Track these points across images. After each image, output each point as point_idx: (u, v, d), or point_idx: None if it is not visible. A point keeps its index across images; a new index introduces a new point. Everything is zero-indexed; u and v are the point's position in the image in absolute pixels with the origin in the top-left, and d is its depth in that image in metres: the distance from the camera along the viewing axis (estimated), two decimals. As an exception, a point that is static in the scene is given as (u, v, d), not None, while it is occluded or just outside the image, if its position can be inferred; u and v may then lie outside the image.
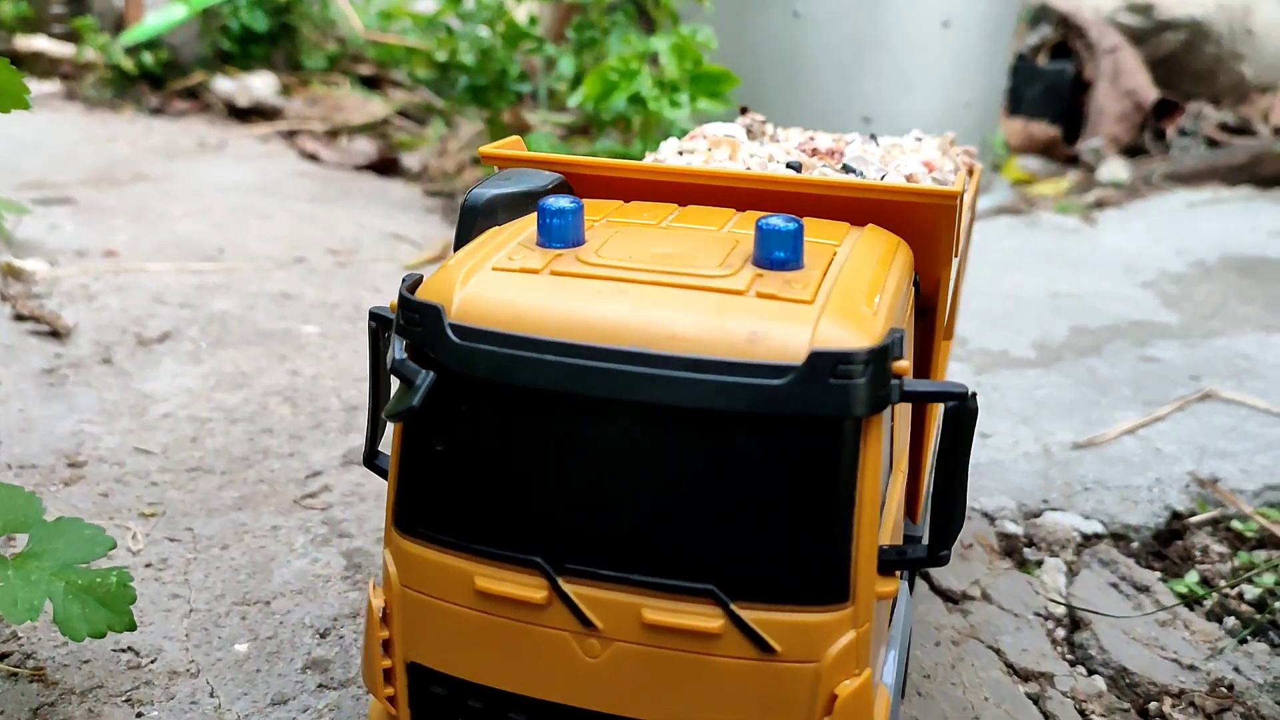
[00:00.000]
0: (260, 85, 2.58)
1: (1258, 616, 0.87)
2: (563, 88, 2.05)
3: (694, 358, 0.46)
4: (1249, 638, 0.84)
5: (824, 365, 0.45)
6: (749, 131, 0.98)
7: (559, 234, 0.53)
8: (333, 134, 2.43)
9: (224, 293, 1.43)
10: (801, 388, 0.45)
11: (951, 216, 0.61)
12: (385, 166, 2.23)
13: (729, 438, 0.46)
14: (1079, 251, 1.69)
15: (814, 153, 0.86)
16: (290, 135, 2.42)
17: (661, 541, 0.47)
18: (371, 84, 2.73)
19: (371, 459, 0.57)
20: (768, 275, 0.50)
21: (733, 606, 0.47)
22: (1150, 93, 2.45)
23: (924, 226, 0.61)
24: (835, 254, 0.54)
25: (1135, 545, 0.97)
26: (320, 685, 0.73)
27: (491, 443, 0.49)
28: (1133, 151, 2.45)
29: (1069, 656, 0.83)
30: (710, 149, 0.89)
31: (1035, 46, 2.60)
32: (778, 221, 0.51)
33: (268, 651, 0.76)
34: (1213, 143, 2.55)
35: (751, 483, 0.47)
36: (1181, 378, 1.27)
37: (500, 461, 0.49)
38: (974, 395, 0.49)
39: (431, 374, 0.49)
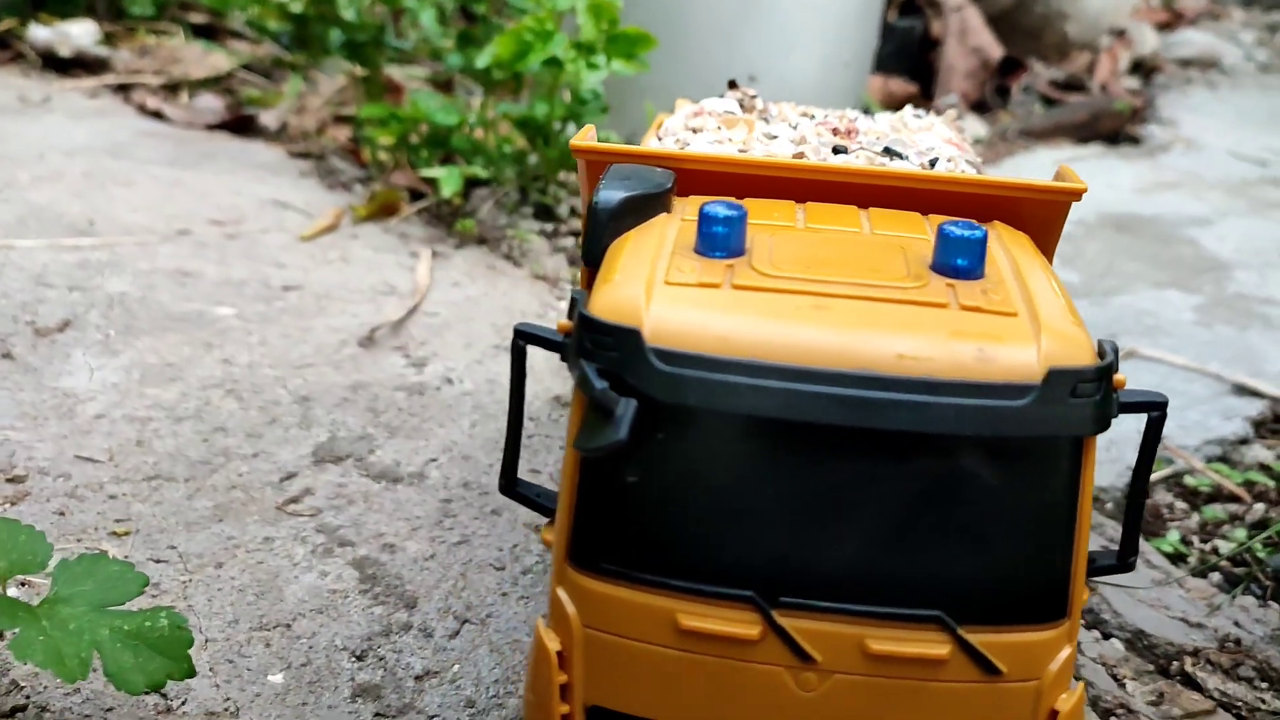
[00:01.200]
0: (81, 34, 2.36)
1: (1238, 571, 0.93)
2: (421, 42, 1.97)
3: (928, 380, 0.44)
4: (1238, 594, 0.89)
5: (1063, 384, 0.44)
6: (741, 106, 0.95)
7: (723, 243, 0.50)
8: (171, 89, 2.25)
9: (113, 272, 1.31)
10: (1041, 408, 0.44)
11: (1067, 211, 0.61)
12: (239, 125, 2.08)
13: (960, 461, 0.45)
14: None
15: (835, 132, 0.85)
16: (123, 90, 2.23)
17: (885, 569, 0.46)
18: (207, 34, 2.54)
19: (511, 487, 0.53)
20: (959, 285, 0.49)
21: (960, 631, 0.46)
22: (996, 51, 2.55)
23: (1042, 222, 0.60)
24: (993, 258, 0.53)
25: (1110, 506, 1.02)
26: (377, 714, 0.69)
27: (698, 473, 0.46)
28: (978, 108, 2.54)
29: (1083, 622, 0.86)
30: (720, 126, 0.87)
31: (885, 3, 2.65)
32: (961, 228, 0.50)
33: (306, 681, 0.71)
34: (1047, 100, 2.68)
35: (981, 505, 0.45)
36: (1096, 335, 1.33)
37: (708, 493, 0.46)
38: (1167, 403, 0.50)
39: (634, 402, 0.45)
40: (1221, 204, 1.88)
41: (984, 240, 0.49)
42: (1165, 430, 1.12)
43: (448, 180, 1.53)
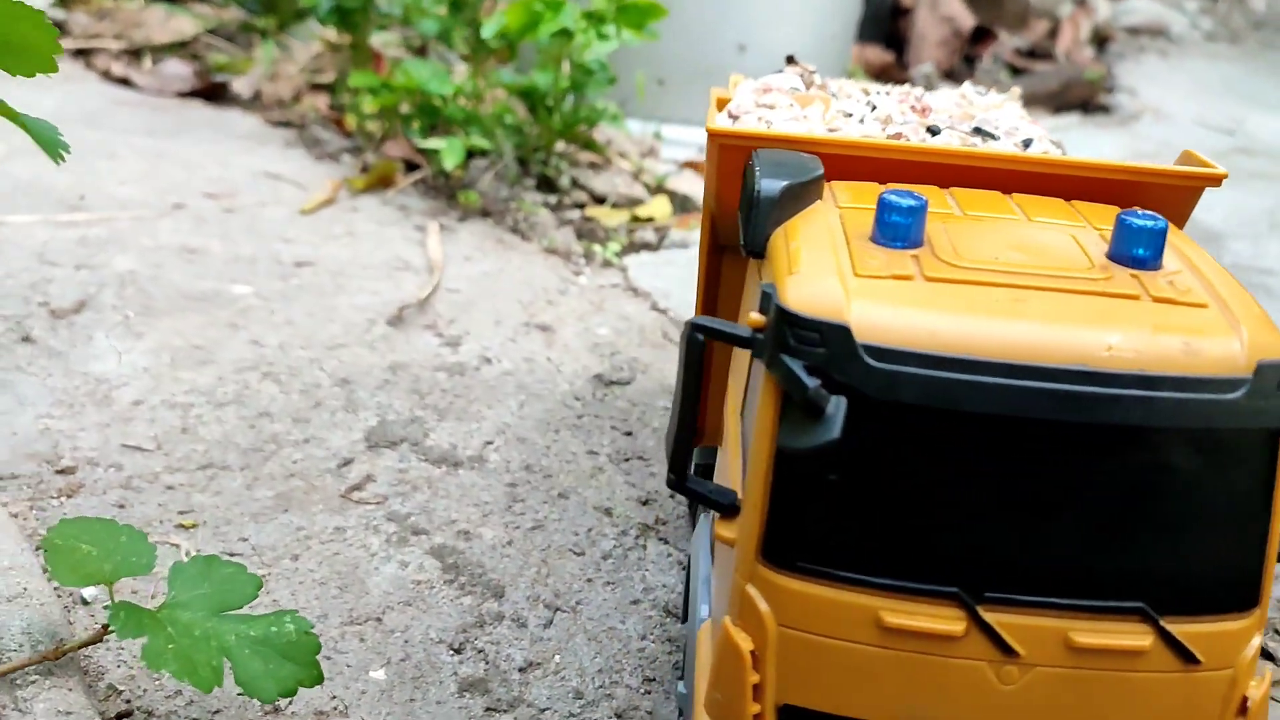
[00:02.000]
0: (34, -4, 2.27)
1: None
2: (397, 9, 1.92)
3: (1142, 374, 0.44)
4: None
5: (1272, 377, 0.44)
6: (804, 83, 0.94)
7: (903, 233, 0.49)
8: (133, 54, 2.17)
9: (116, 249, 1.26)
10: (1252, 400, 0.44)
11: (1199, 197, 0.61)
12: (212, 93, 2.01)
13: (1165, 454, 0.45)
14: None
15: (912, 110, 0.84)
16: (83, 55, 2.15)
17: (1091, 563, 0.46)
18: (167, -4, 2.45)
19: (682, 482, 0.52)
20: (1143, 276, 0.49)
21: (1162, 622, 0.46)
22: (967, 19, 2.56)
23: (1173, 208, 0.60)
24: (1157, 245, 0.53)
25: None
26: (488, 709, 0.67)
27: (905, 470, 0.45)
28: (949, 76, 2.56)
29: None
30: (793, 104, 0.86)
31: (856, -29, 2.65)
32: (1142, 218, 0.49)
33: (410, 677, 0.69)
34: (1013, 68, 2.70)
35: (1183, 497, 0.45)
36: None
37: (916, 490, 0.45)
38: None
39: (844, 400, 0.44)
40: (1202, 174, 1.91)
41: (1164, 231, 0.49)
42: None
43: (449, 152, 1.50)
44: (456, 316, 1.18)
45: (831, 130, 0.77)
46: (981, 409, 0.44)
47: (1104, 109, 2.38)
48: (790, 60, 0.96)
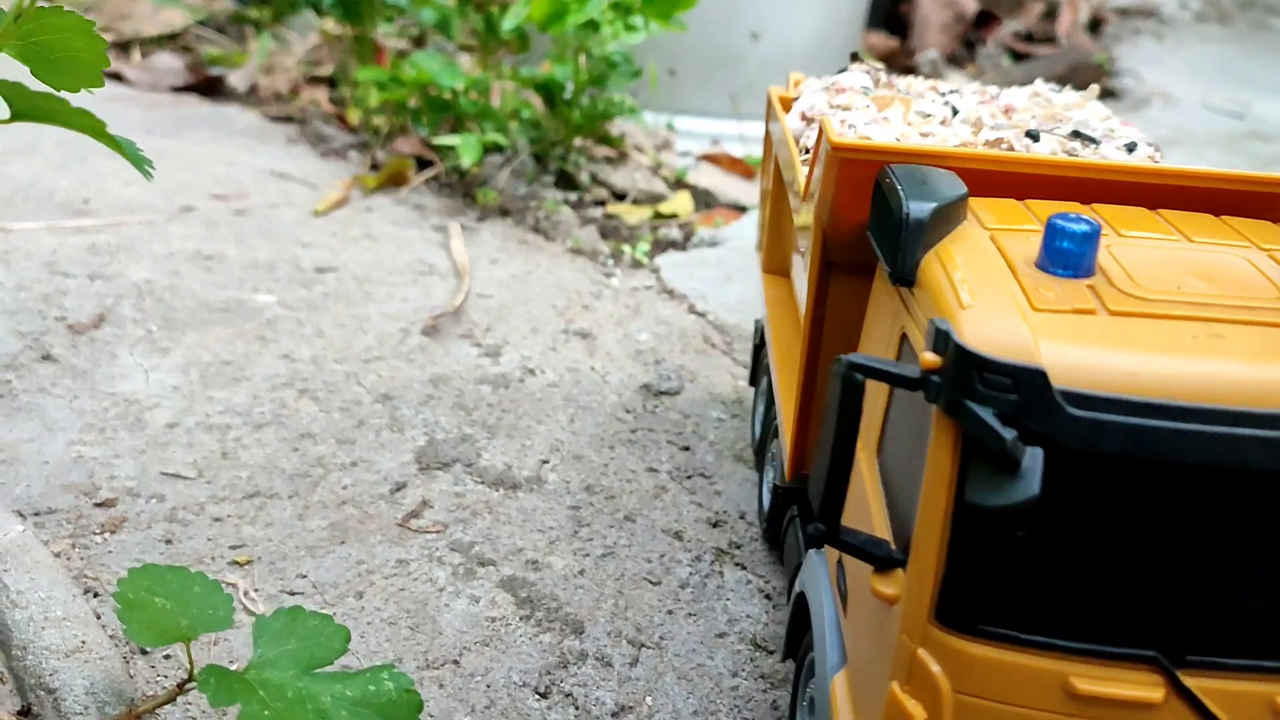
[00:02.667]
0: (15, -14, 2.19)
1: None
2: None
3: (1363, 418, 0.40)
4: None
5: None
6: (874, 82, 0.90)
7: (1075, 261, 0.45)
8: (122, 47, 2.10)
9: (129, 256, 1.21)
10: None
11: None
12: (206, 87, 1.95)
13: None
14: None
15: (1003, 111, 0.80)
16: (69, 48, 2.08)
17: (1301, 621, 0.42)
18: (153, -14, 2.38)
19: (835, 534, 0.48)
20: (1337, 305, 0.45)
21: (1377, 684, 0.42)
22: (970, 3, 2.52)
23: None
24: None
25: None
26: (584, 759, 0.63)
27: (1104, 526, 0.41)
28: (950, 62, 2.52)
29: None
30: (869, 105, 0.82)
31: (856, -45, 2.60)
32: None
33: (497, 725, 0.65)
34: (1013, 53, 2.67)
35: (1400, 548, 0.42)
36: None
37: (1114, 546, 0.42)
38: None
39: (1040, 452, 0.40)
40: (1220, 161, 1.89)
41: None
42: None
43: (466, 149, 1.45)
44: (492, 324, 1.13)
45: (925, 135, 0.73)
46: (1190, 458, 0.40)
47: (1112, 94, 2.36)
48: (855, 57, 0.92)
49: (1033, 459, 0.40)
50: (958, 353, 0.42)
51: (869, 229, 0.54)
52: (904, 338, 0.50)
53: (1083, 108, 0.84)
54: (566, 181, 1.55)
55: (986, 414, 0.41)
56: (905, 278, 0.49)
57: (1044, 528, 0.41)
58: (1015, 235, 0.49)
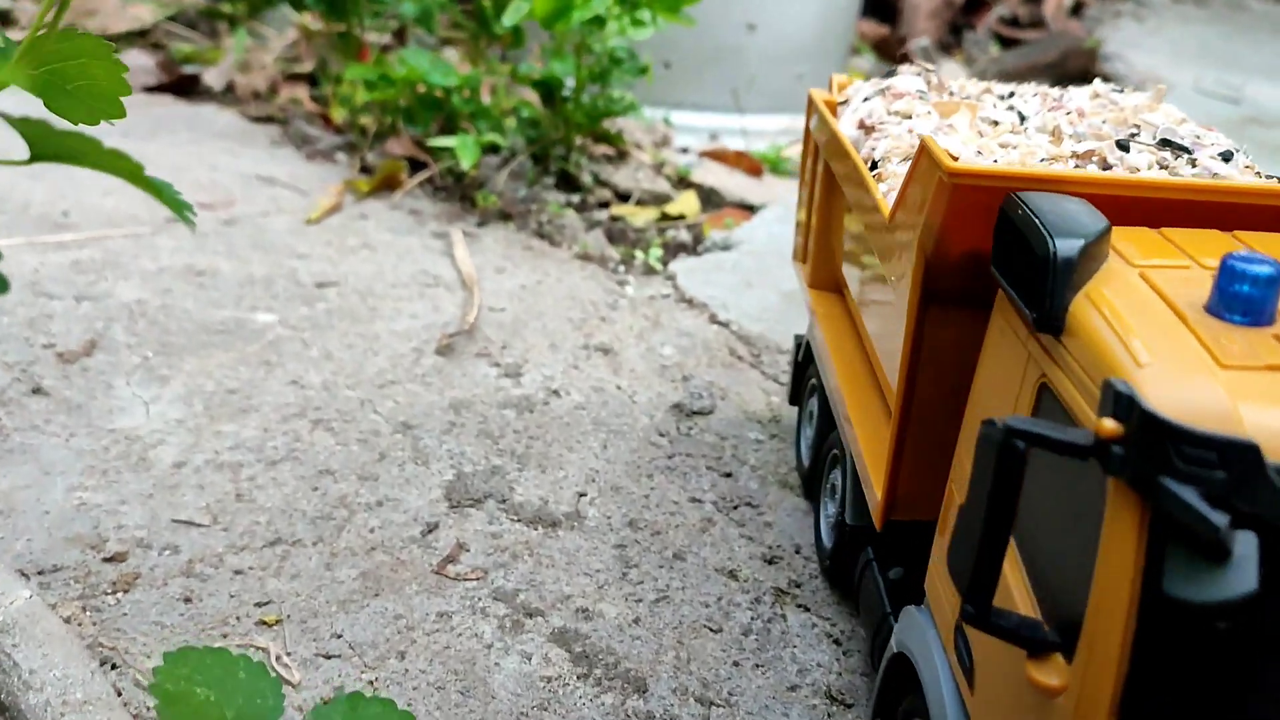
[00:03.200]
0: (-27, -18, 2.09)
1: None
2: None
3: None
4: None
5: None
6: (927, 83, 0.85)
7: (1256, 308, 0.40)
8: (88, 43, 2.01)
9: (117, 274, 1.14)
10: None
11: None
12: (181, 86, 1.87)
13: None
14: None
15: (1075, 115, 0.75)
16: (33, 46, 1.99)
17: None
18: (118, -20, 2.28)
19: (985, 616, 0.42)
20: None
21: None
22: (959, -11, 2.48)
23: None
24: None
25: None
26: (666, 840, 0.58)
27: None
28: (942, 47, 2.48)
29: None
30: (931, 112, 0.76)
31: (842, -61, 2.55)
32: None
33: (566, 802, 0.60)
34: (1000, 38, 2.63)
35: None
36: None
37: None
38: None
39: (1255, 538, 0.35)
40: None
41: None
42: None
43: (464, 151, 1.38)
44: (508, 341, 1.07)
45: (1005, 147, 0.67)
46: None
47: (1105, 79, 2.32)
48: (904, 58, 0.87)
49: (1246, 546, 0.35)
50: (1147, 421, 0.36)
51: (993, 264, 0.49)
52: (1043, 390, 0.45)
53: (1154, 110, 0.79)
54: (568, 182, 1.49)
55: (1190, 494, 0.35)
56: (1051, 325, 0.43)
57: (1256, 623, 0.36)
58: (1168, 274, 0.44)
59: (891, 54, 2.36)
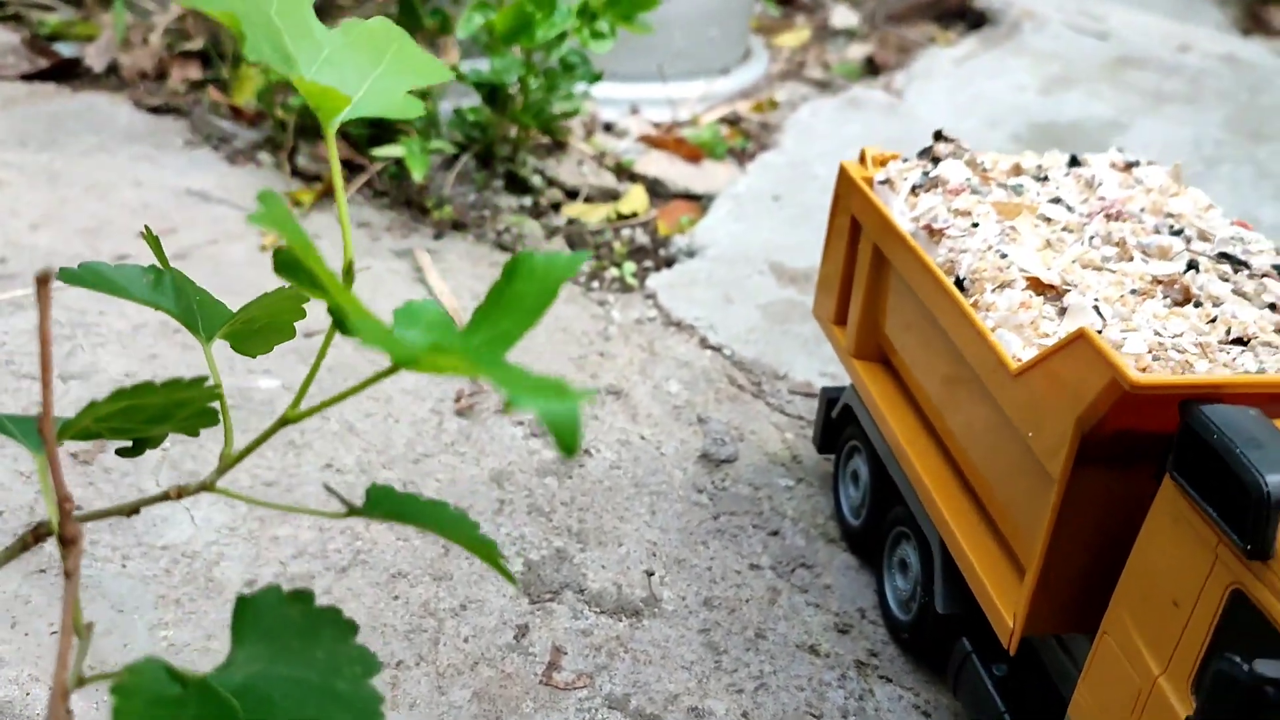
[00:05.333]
0: None
1: None
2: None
3: None
4: None
5: None
6: (969, 165, 0.88)
7: None
8: (-62, 18, 1.83)
9: (90, 338, 1.08)
10: None
11: None
12: (62, 71, 1.74)
13: None
14: (915, 133, 1.72)
15: (1119, 217, 0.80)
16: (-124, 24, 1.80)
17: None
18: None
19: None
20: None
21: None
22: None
23: None
24: None
25: None
26: None
27: None
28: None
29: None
30: (991, 212, 0.80)
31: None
32: None
33: None
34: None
35: None
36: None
37: None
38: None
39: None
40: (1117, 100, 1.95)
41: None
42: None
43: (414, 163, 1.35)
44: (519, 391, 1.07)
45: (1093, 268, 0.72)
46: None
47: (983, 18, 2.39)
48: (939, 136, 0.90)
49: None
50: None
51: (1174, 468, 0.53)
52: (1238, 596, 0.50)
53: (1181, 194, 0.84)
54: (516, 184, 1.47)
55: None
56: (1264, 554, 0.49)
57: None
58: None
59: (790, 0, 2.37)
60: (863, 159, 0.91)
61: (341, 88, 0.43)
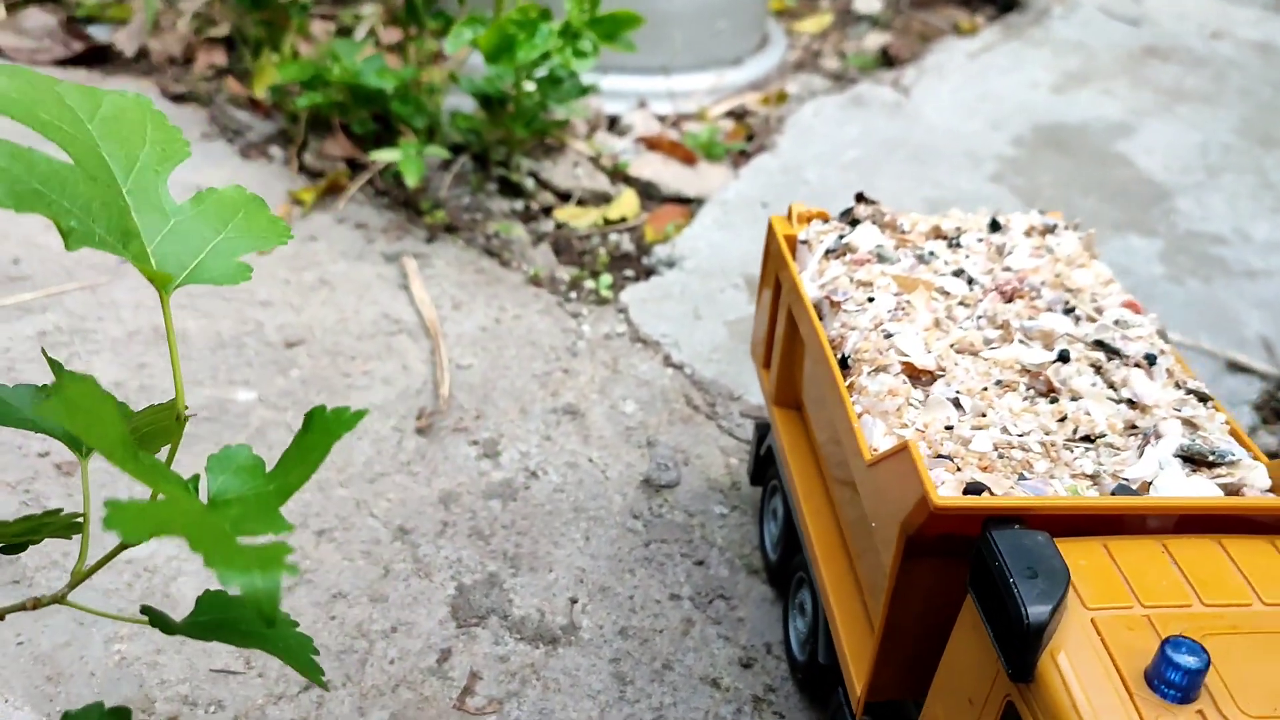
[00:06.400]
0: None
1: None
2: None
3: None
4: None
5: None
6: (879, 226, 0.92)
7: (1184, 692, 0.51)
8: (-17, -1, 1.92)
9: (88, 346, 1.16)
10: None
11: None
12: (93, 56, 1.82)
13: None
14: (917, 136, 1.74)
15: (1012, 296, 0.84)
16: (-76, 5, 1.89)
17: None
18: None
19: None
20: None
21: None
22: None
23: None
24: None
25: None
26: None
27: None
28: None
29: None
30: (891, 284, 0.84)
31: None
32: None
33: None
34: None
35: None
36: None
37: None
38: None
39: None
40: (1131, 98, 1.94)
41: None
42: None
43: (408, 169, 1.41)
44: (480, 408, 1.14)
45: (971, 354, 0.76)
46: None
47: (1014, 5, 2.37)
48: (860, 198, 0.93)
49: None
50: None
51: (970, 584, 0.58)
52: (1011, 708, 0.55)
53: (1087, 267, 0.87)
54: (511, 187, 1.52)
55: None
56: (1024, 678, 0.53)
57: None
58: (1115, 623, 0.54)
59: (809, -21, 2.37)
60: (790, 215, 0.94)
61: (182, 256, 0.49)
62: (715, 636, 0.93)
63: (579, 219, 1.48)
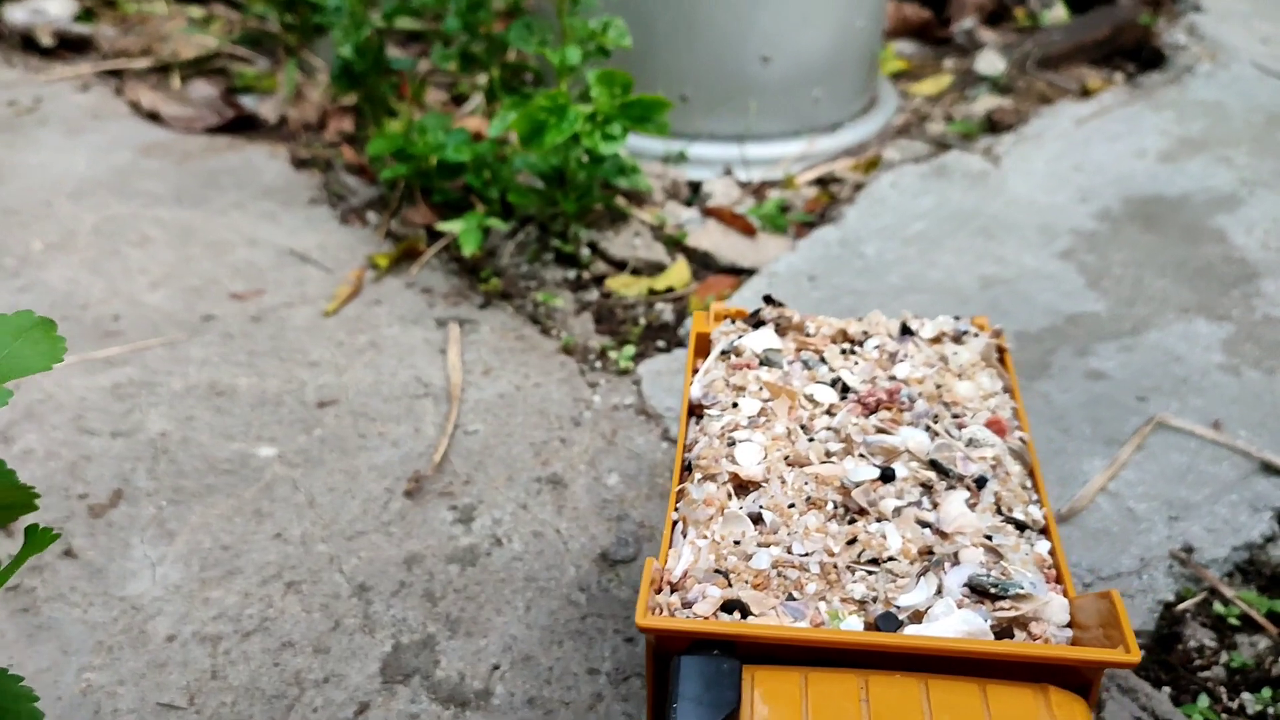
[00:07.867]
0: (58, 10, 2.26)
1: (1267, 740, 0.98)
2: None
3: None
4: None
5: None
6: (778, 328, 0.95)
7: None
8: (161, 70, 2.18)
9: (149, 397, 1.32)
10: None
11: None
12: (240, 125, 2.03)
13: None
14: (993, 208, 1.71)
15: (878, 405, 0.85)
16: (113, 77, 2.16)
17: None
18: (189, -4, 2.43)
19: None
20: None
21: None
22: (1013, -41, 2.43)
23: (1087, 677, 0.62)
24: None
25: (1142, 654, 1.06)
26: None
27: None
28: (995, 19, 2.44)
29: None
30: (762, 389, 0.87)
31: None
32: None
33: None
34: (1069, 3, 2.56)
35: None
36: (1129, 399, 1.34)
37: None
38: None
39: None
40: (1249, 167, 1.83)
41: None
42: (1192, 536, 1.15)
43: (466, 238, 1.51)
44: (471, 474, 1.22)
45: (793, 463, 0.78)
46: None
47: (1159, 57, 2.26)
48: (769, 300, 0.96)
49: None
50: None
51: (671, 699, 0.62)
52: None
53: (972, 380, 0.87)
54: (566, 257, 1.61)
55: None
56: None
57: None
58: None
59: (932, 38, 2.35)
60: (709, 313, 0.98)
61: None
62: (620, 714, 0.97)
63: (629, 288, 1.55)
